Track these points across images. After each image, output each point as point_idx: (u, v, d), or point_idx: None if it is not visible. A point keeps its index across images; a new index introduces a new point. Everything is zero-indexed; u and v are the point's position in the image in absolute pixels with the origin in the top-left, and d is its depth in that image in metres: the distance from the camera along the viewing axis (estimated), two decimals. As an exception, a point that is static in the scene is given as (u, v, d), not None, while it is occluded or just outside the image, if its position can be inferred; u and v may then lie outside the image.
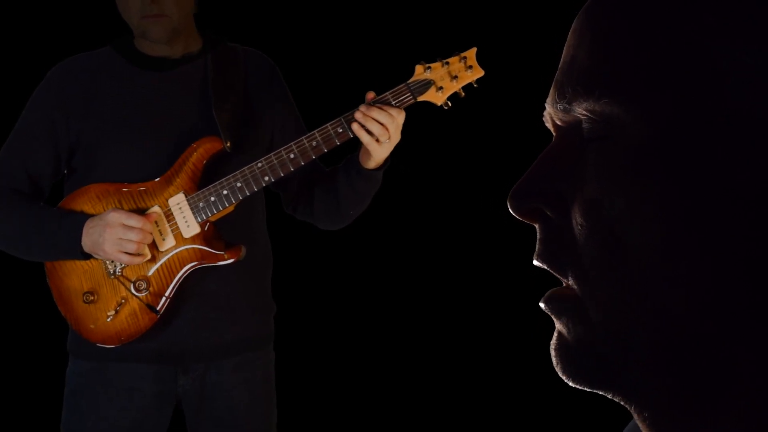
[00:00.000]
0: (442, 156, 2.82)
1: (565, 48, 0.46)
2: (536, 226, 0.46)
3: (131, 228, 1.74)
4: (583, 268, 0.43)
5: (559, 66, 0.46)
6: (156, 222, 1.81)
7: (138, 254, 1.76)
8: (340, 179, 1.87)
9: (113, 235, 1.73)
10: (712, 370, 0.40)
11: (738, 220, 0.39)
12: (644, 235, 0.41)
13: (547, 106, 0.47)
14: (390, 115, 1.73)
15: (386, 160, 1.83)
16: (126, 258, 1.76)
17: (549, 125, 0.48)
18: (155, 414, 1.86)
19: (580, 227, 0.43)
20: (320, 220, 1.96)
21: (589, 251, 0.43)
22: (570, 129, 0.45)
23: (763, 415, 0.40)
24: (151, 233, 1.78)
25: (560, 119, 0.46)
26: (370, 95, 1.78)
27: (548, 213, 0.45)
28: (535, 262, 0.46)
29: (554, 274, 0.46)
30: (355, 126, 1.75)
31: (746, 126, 0.39)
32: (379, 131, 1.73)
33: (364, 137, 1.75)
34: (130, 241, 1.74)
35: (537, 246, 0.46)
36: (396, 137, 1.76)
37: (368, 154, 1.78)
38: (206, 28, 1.97)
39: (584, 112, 0.43)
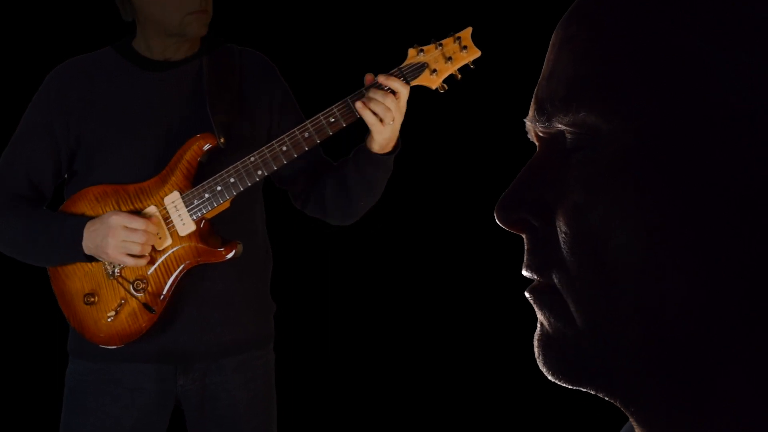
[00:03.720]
0: (440, 145, 2.77)
1: (544, 64, 0.47)
2: (523, 236, 0.47)
3: (134, 230, 1.74)
4: (569, 275, 0.44)
5: (538, 82, 0.47)
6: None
7: (142, 256, 1.77)
8: (350, 168, 1.85)
9: (117, 238, 1.74)
10: (704, 369, 0.41)
11: (731, 219, 0.39)
12: (631, 238, 0.41)
13: (527, 122, 0.48)
14: (387, 94, 1.72)
15: (396, 146, 1.80)
16: (131, 261, 1.76)
17: (531, 137, 0.49)
18: (156, 413, 1.87)
19: (564, 235, 0.44)
20: (332, 214, 1.93)
21: (574, 258, 0.43)
22: (552, 140, 0.46)
23: (755, 414, 0.40)
24: (155, 234, 1.78)
25: (542, 131, 0.47)
26: (369, 78, 1.76)
27: (534, 223, 0.46)
28: (524, 273, 0.47)
29: (543, 282, 0.46)
30: (359, 105, 1.74)
31: (738, 125, 0.39)
32: (383, 111, 1.71)
33: (369, 117, 1.73)
34: (134, 243, 1.74)
35: (525, 257, 0.46)
36: (398, 119, 1.74)
37: (372, 136, 1.77)
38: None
39: (565, 126, 0.44)
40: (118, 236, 1.73)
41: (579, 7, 0.45)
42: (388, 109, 1.71)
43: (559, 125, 0.44)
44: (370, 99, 1.72)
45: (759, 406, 0.40)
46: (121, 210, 1.81)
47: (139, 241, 1.74)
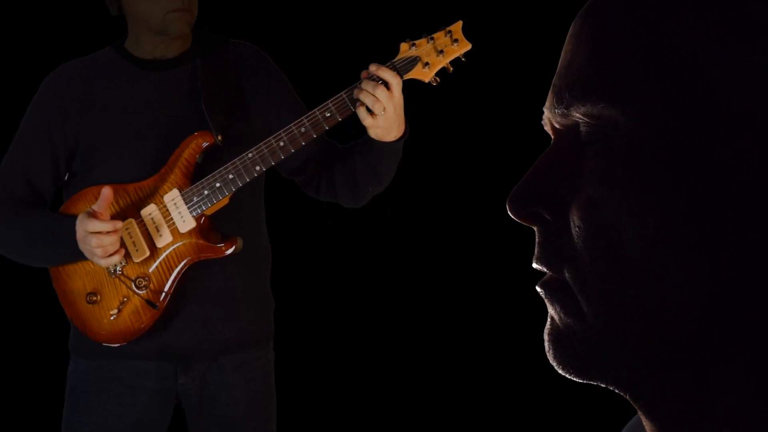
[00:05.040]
0: (435, 138, 2.77)
1: (562, 53, 0.47)
2: (535, 229, 0.47)
3: (91, 234, 1.73)
4: (581, 270, 0.44)
5: (557, 71, 0.47)
6: (153, 220, 1.82)
7: (111, 255, 1.75)
8: (356, 154, 1.86)
9: (83, 246, 1.75)
10: (704, 369, 0.41)
11: (733, 218, 0.39)
12: (640, 234, 0.41)
13: (545, 110, 0.47)
14: (378, 85, 1.72)
15: (404, 133, 1.80)
16: (102, 262, 1.76)
17: (548, 129, 0.48)
18: (157, 411, 1.89)
19: (577, 229, 0.44)
20: (343, 198, 1.94)
21: (587, 252, 0.43)
22: (568, 132, 0.46)
23: (755, 414, 0.40)
24: (112, 230, 1.74)
25: (558, 123, 0.46)
26: (366, 74, 1.77)
27: (546, 216, 0.45)
28: (534, 265, 0.47)
29: (554, 276, 0.46)
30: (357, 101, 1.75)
31: (741, 124, 0.39)
32: (371, 102, 1.72)
33: (360, 112, 1.74)
34: (94, 247, 1.73)
35: (536, 249, 0.46)
36: (390, 109, 1.73)
37: (368, 129, 1.77)
38: (197, 25, 1.95)
39: (581, 117, 0.44)
40: (82, 242, 1.75)
41: (591, 3, 0.46)
42: (377, 99, 1.71)
43: (576, 114, 0.44)
44: (360, 90, 1.73)
45: (759, 406, 0.40)
46: (119, 206, 1.83)
47: (96, 245, 1.72)
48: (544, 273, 0.46)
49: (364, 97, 1.72)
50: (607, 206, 0.42)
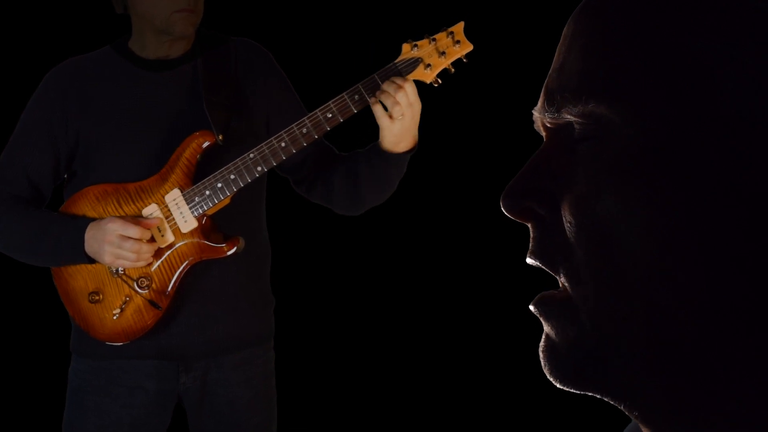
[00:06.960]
0: (437, 138, 2.77)
1: (555, 55, 0.47)
2: (529, 225, 0.47)
3: (128, 239, 1.75)
4: (575, 265, 0.43)
5: (549, 73, 0.46)
6: None
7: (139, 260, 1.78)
8: (361, 160, 1.86)
9: (112, 246, 1.75)
10: (705, 369, 0.40)
11: (733, 218, 0.39)
12: (635, 232, 0.41)
13: (535, 112, 0.47)
14: (399, 88, 1.71)
15: (412, 148, 1.80)
16: (129, 266, 1.79)
17: (539, 128, 0.48)
18: (158, 411, 1.89)
19: (569, 225, 0.43)
20: (338, 203, 1.94)
21: (580, 249, 0.43)
22: (560, 130, 0.46)
23: (755, 415, 0.40)
24: (150, 242, 1.79)
25: (550, 122, 0.46)
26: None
27: (540, 212, 0.45)
28: (528, 260, 0.46)
29: (548, 271, 0.46)
30: (372, 99, 1.74)
31: (740, 124, 0.39)
32: (391, 104, 1.71)
33: (377, 110, 1.73)
34: (129, 252, 1.75)
35: (530, 244, 0.46)
36: (408, 116, 1.73)
37: (381, 131, 1.77)
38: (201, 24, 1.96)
39: (574, 117, 0.44)
40: (113, 245, 1.75)
41: (584, 4, 0.45)
42: (397, 102, 1.71)
43: (568, 116, 0.44)
44: (382, 92, 1.73)
45: (762, 413, 0.40)
46: (122, 209, 1.83)
47: (133, 250, 1.75)
48: (539, 270, 0.46)
49: (385, 98, 1.72)
50: (598, 204, 0.42)
